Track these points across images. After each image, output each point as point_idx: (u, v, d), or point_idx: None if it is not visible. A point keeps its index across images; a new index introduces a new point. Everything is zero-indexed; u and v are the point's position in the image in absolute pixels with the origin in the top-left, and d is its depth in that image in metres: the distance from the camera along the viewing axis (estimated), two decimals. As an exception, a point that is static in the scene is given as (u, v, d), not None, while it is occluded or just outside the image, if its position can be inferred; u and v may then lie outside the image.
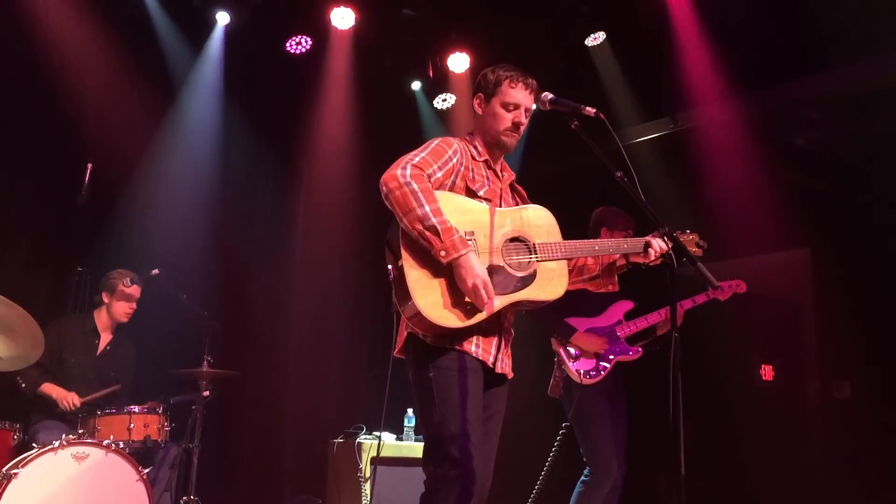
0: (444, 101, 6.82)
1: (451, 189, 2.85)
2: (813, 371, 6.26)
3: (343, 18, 6.21)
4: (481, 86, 3.03)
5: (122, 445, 4.17)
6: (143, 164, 5.72)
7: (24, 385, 4.64)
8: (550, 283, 2.84)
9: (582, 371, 4.22)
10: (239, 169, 6.37)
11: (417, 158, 2.76)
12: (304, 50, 6.37)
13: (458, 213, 2.76)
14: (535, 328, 4.37)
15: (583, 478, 4.28)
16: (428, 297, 2.65)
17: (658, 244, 2.93)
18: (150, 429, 4.48)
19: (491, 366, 2.81)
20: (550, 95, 2.91)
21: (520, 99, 2.97)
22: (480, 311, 2.68)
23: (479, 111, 3.03)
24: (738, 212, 5.58)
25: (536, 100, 3.00)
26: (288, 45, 6.34)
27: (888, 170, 5.14)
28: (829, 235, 5.71)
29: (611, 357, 4.25)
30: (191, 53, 6.06)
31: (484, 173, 2.97)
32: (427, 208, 2.64)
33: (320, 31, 6.31)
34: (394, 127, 6.97)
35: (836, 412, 5.85)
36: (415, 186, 2.67)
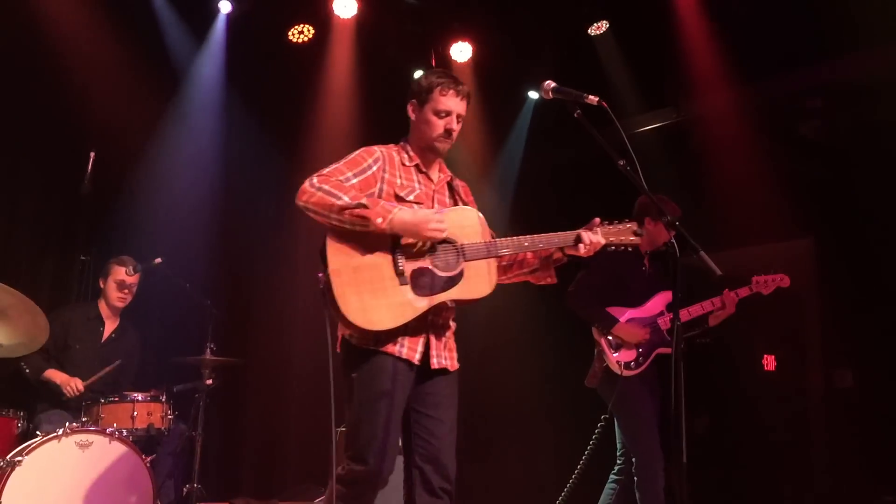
0: (446, 91, 6.78)
1: (380, 195, 2.94)
2: (815, 361, 6.25)
3: (345, 7, 6.20)
4: (414, 92, 3.10)
5: (125, 433, 4.19)
6: (146, 152, 5.72)
7: (27, 371, 4.67)
8: (477, 282, 2.91)
9: (623, 362, 4.19)
10: (242, 157, 6.37)
11: (326, 169, 2.89)
12: (306, 39, 6.36)
13: None
14: (566, 318, 4.35)
15: (615, 476, 4.27)
16: (354, 302, 2.76)
17: (589, 237, 2.95)
18: (153, 417, 4.50)
19: (417, 363, 2.90)
20: (553, 84, 2.90)
21: (451, 106, 3.03)
22: (406, 312, 2.79)
23: (413, 117, 3.11)
24: (741, 201, 5.57)
25: (533, 84, 3.01)
26: (290, 34, 6.33)
27: (891, 159, 5.13)
28: (832, 225, 5.71)
29: (652, 349, 4.23)
30: (193, 42, 6.05)
31: (414, 178, 3.05)
32: (346, 198, 2.77)
33: (322, 21, 6.29)
34: (396, 116, 6.94)
35: (839, 402, 5.85)
36: (326, 187, 2.80)
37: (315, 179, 2.84)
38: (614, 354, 4.22)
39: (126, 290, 4.98)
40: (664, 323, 4.27)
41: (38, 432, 4.09)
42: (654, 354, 4.22)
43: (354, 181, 2.90)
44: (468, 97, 3.10)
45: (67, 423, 4.04)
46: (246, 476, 6.08)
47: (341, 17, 6.24)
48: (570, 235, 2.98)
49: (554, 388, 6.15)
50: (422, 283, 2.83)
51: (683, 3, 5.80)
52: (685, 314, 4.25)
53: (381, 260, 2.83)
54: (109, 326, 5.04)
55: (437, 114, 3.03)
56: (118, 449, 4.06)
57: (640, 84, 6.17)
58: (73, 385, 4.63)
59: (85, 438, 3.98)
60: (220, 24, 6.08)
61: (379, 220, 2.74)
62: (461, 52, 6.53)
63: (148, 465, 4.12)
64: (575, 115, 2.83)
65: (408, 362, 2.90)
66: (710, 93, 5.85)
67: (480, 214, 3.05)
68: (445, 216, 2.91)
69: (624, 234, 3.05)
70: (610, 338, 4.24)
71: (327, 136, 6.52)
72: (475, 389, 5.27)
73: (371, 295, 2.78)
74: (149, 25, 5.79)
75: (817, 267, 6.12)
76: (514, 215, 6.53)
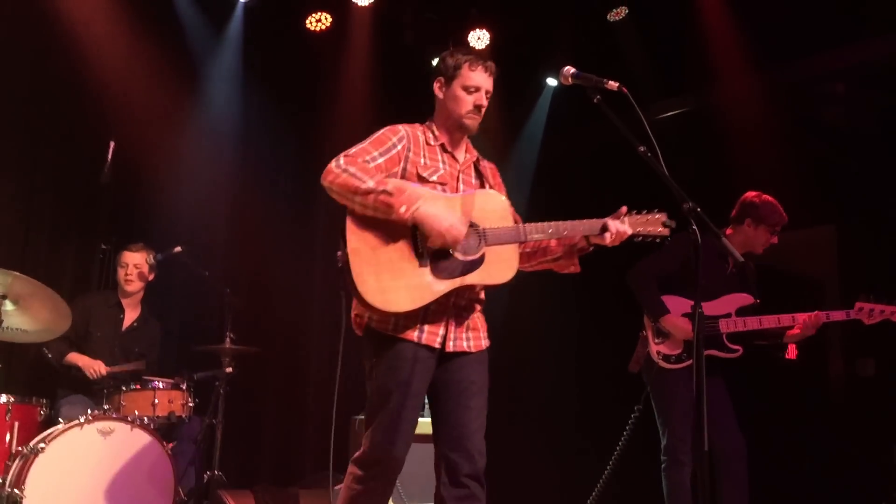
0: (464, 78, 6.76)
1: (403, 176, 2.91)
2: (837, 349, 6.20)
3: (363, -5, 6.18)
4: (441, 70, 3.06)
5: (146, 421, 4.22)
6: (166, 142, 5.73)
7: (50, 356, 4.71)
8: (498, 268, 2.87)
9: (662, 353, 4.10)
10: (260, 146, 6.38)
11: (353, 150, 2.86)
12: (324, 27, 6.35)
13: None
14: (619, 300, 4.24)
15: (662, 464, 4.14)
16: (372, 283, 2.73)
17: (615, 227, 2.90)
18: (174, 404, 4.53)
19: (438, 346, 2.87)
20: (573, 69, 2.88)
21: (480, 81, 3.01)
22: (425, 295, 2.76)
23: (440, 95, 3.06)
24: (762, 188, 5.52)
25: (551, 71, 2.99)
26: (308, 22, 6.32)
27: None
28: (855, 212, 5.64)
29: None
30: (211, 31, 6.05)
31: (439, 157, 3.01)
32: (370, 182, 2.73)
33: (340, 8, 6.28)
34: (414, 104, 6.93)
35: (860, 390, 5.80)
36: (352, 170, 2.76)
37: (342, 160, 2.81)
38: (656, 344, 4.13)
39: (132, 272, 4.95)
40: (726, 326, 4.07)
41: (59, 419, 4.14)
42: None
43: (380, 160, 2.87)
44: (495, 74, 3.06)
45: (89, 411, 4.07)
46: (266, 463, 6.12)
47: (359, 4, 6.22)
48: (595, 224, 2.93)
49: (587, 375, 6.15)
50: (442, 265, 2.80)
51: (703, -13, 5.74)
52: (755, 322, 4.05)
53: (402, 241, 2.79)
54: (130, 315, 5.07)
55: (466, 89, 2.99)
56: (140, 436, 4.09)
57: (660, 70, 6.11)
58: (95, 368, 4.67)
59: (107, 426, 4.01)
60: (237, 13, 6.09)
61: (402, 209, 2.70)
62: (479, 38, 6.49)
63: (169, 452, 4.15)
64: (595, 100, 2.80)
65: (428, 348, 2.87)
66: (731, 78, 5.79)
67: (505, 198, 3.01)
68: (470, 199, 2.88)
69: (652, 224, 2.99)
70: (659, 328, 4.12)
71: (346, 123, 6.51)
72: (499, 371, 5.28)
73: (390, 276, 2.75)
74: (167, 15, 5.80)
75: (839, 254, 6.07)
76: (532, 203, 6.49)
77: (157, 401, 4.47)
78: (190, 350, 4.96)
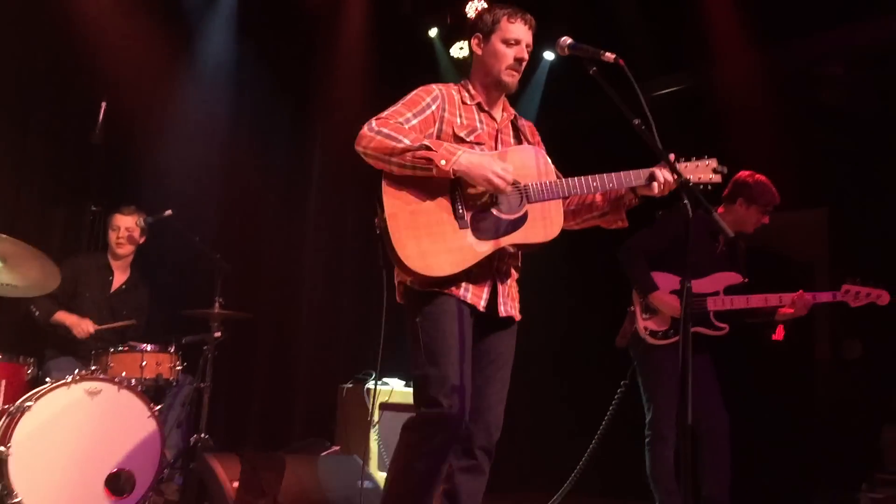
0: (460, 49, 6.71)
1: (439, 136, 2.82)
2: (824, 331, 6.23)
3: (361, -36, 6.12)
4: (478, 26, 2.96)
5: (133, 382, 4.22)
6: (158, 103, 5.68)
7: (37, 313, 4.70)
8: (543, 225, 2.77)
9: (650, 329, 4.10)
10: (254, 111, 6.34)
11: (385, 112, 2.79)
12: (321, -5, 6.28)
13: None
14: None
15: (646, 438, 4.14)
16: (412, 246, 2.66)
17: (663, 175, 2.79)
18: (161, 367, 4.53)
19: (483, 309, 2.79)
20: (569, 40, 2.81)
21: (520, 34, 2.91)
22: (467, 257, 2.69)
23: (479, 51, 2.96)
24: (756, 169, 5.51)
25: (548, 45, 2.94)
26: (305, -11, 6.25)
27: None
28: (848, 195, 5.65)
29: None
30: (207, -4, 5.99)
31: (476, 116, 2.92)
32: (406, 140, 2.66)
33: (338, -24, 6.22)
34: (411, 74, 6.89)
35: (847, 372, 5.84)
36: (386, 131, 2.69)
37: (374, 123, 2.74)
38: (644, 319, 4.13)
39: (123, 235, 4.95)
40: (713, 303, 4.06)
41: (47, 379, 4.13)
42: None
43: (414, 122, 2.79)
44: (534, 28, 2.96)
45: (77, 371, 4.07)
46: (253, 428, 6.14)
47: (356, -27, 6.16)
48: (642, 174, 2.82)
49: (574, 350, 6.17)
50: (483, 226, 2.71)
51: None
52: (742, 301, 4.05)
53: (440, 203, 2.72)
54: (119, 277, 5.06)
55: (506, 42, 2.89)
56: (127, 397, 4.09)
57: (659, 46, 6.06)
58: (83, 326, 4.67)
59: (94, 386, 4.01)
60: (234, -23, 6.01)
61: (442, 163, 2.62)
62: (477, 9, 6.43)
63: (156, 414, 4.16)
64: (591, 72, 2.76)
65: (472, 308, 2.77)
66: (729, 56, 5.75)
67: (545, 153, 2.92)
68: (508, 155, 2.80)
69: (703, 171, 2.88)
70: (647, 303, 4.12)
71: (340, 93, 6.47)
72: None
73: (430, 239, 2.67)
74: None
75: (830, 237, 6.08)
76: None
77: (144, 363, 4.47)
78: (179, 314, 4.95)
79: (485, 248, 2.71)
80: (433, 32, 6.76)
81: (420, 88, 2.89)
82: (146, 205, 5.04)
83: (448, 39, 6.76)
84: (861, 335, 5.78)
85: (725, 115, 5.74)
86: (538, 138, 3.12)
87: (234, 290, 5.11)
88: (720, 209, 4.27)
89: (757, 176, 4.25)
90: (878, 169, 5.46)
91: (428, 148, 2.63)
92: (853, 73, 5.52)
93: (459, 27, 6.59)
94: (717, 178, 2.90)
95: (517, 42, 2.91)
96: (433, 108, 2.85)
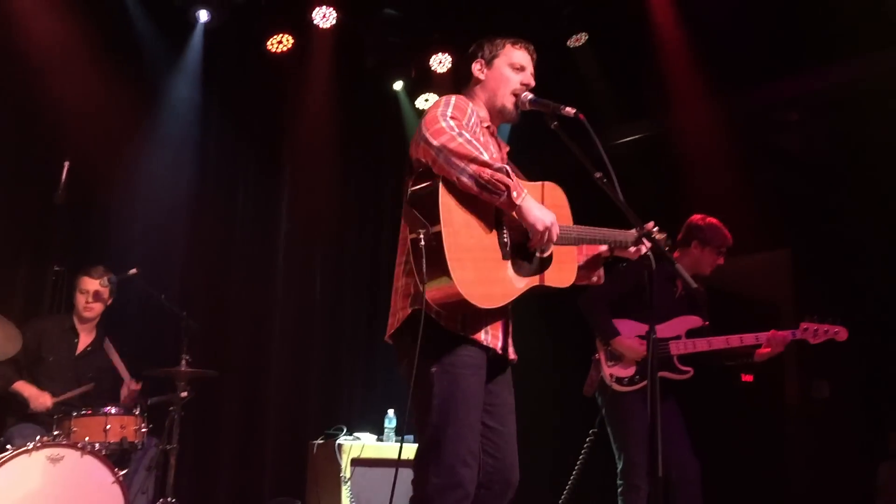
0: (426, 101, 6.80)
1: None
2: (793, 371, 6.29)
3: (325, 17, 6.18)
4: (478, 53, 2.86)
5: (98, 447, 4.12)
6: (123, 162, 5.65)
7: None
8: (564, 270, 2.67)
9: (615, 376, 4.11)
10: (220, 168, 6.32)
11: (449, 109, 2.55)
12: (285, 49, 6.33)
13: None
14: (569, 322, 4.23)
15: (618, 488, 4.11)
16: (465, 269, 2.38)
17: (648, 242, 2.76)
18: (126, 430, 4.43)
19: (501, 351, 2.61)
20: (530, 95, 2.83)
21: (525, 61, 2.85)
22: (508, 291, 2.50)
23: (481, 76, 2.83)
24: (718, 213, 5.60)
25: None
26: (269, 43, 6.31)
27: (867, 171, 5.18)
28: (809, 236, 5.75)
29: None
30: (170, 52, 6.00)
31: (489, 140, 2.77)
32: (485, 154, 2.45)
33: (302, 30, 6.28)
34: (376, 127, 6.95)
35: (815, 412, 5.89)
36: (467, 135, 2.46)
37: (452, 122, 2.48)
38: (609, 367, 4.14)
39: (92, 299, 4.88)
40: (676, 347, 4.09)
41: (8, 446, 4.02)
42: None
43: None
44: (535, 61, 2.88)
45: (38, 437, 3.97)
46: (222, 490, 6.01)
47: (321, 26, 6.22)
48: (629, 234, 2.76)
49: (549, 398, 6.15)
50: (520, 262, 2.55)
51: (661, 16, 5.84)
52: (704, 343, 4.08)
53: (490, 227, 2.52)
54: (84, 339, 4.96)
55: (512, 66, 2.81)
56: (90, 463, 3.99)
57: (619, 96, 6.20)
58: (41, 400, 4.55)
59: (56, 453, 3.91)
60: (197, 33, 6.03)
61: (515, 195, 2.42)
62: (441, 62, 6.54)
63: (121, 479, 4.06)
64: (552, 126, 2.79)
65: (490, 352, 2.57)
66: (689, 105, 5.89)
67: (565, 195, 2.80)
68: (545, 190, 2.68)
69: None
70: (612, 350, 4.14)
71: (306, 146, 6.49)
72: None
73: (478, 265, 2.43)
74: (125, 35, 5.74)
75: (794, 278, 6.17)
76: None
77: (109, 426, 4.37)
78: (144, 374, 4.86)
79: (521, 284, 2.54)
80: (398, 86, 6.83)
81: (456, 96, 2.68)
82: (110, 264, 4.97)
83: (413, 93, 6.84)
84: (827, 375, 5.84)
85: (687, 162, 5.85)
86: None
87: (200, 348, 5.04)
88: (675, 254, 4.33)
89: (708, 219, 4.36)
90: (835, 209, 5.58)
91: (508, 174, 2.44)
92: (808, 118, 5.66)
93: (424, 80, 6.68)
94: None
95: (522, 68, 2.84)
96: (472, 120, 2.65)
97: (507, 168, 2.45)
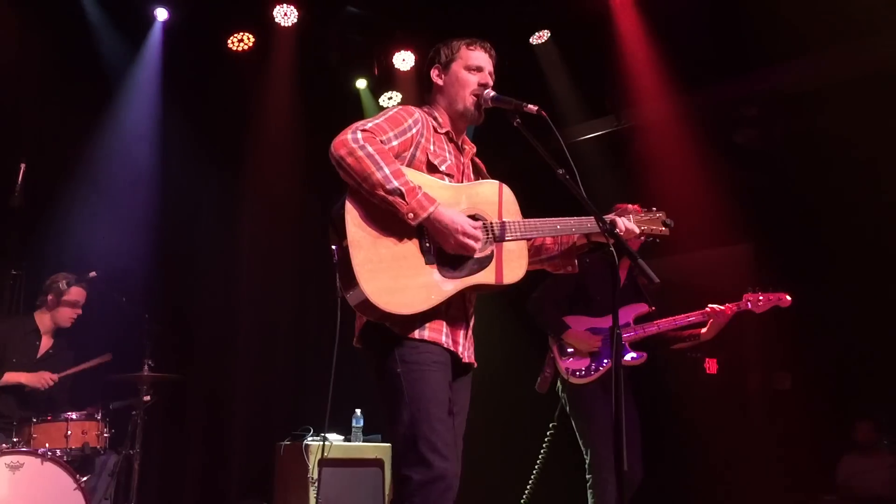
0: (389, 99, 6.79)
1: (411, 162, 2.65)
2: (755, 364, 6.37)
3: (286, 15, 6.15)
4: (436, 58, 2.88)
5: (59, 453, 4.06)
6: (80, 163, 5.57)
7: None
8: (509, 266, 2.63)
9: (571, 369, 4.16)
10: (180, 168, 6.23)
11: (370, 124, 2.57)
12: (246, 47, 6.28)
13: None
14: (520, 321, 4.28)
15: (587, 481, 4.14)
16: (376, 280, 2.43)
17: (624, 224, 2.77)
18: (88, 436, 4.38)
19: (460, 355, 2.63)
20: (492, 93, 2.82)
21: (482, 61, 2.85)
22: (433, 295, 2.50)
23: (440, 81, 2.86)
24: (681, 208, 5.63)
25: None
26: (230, 42, 6.25)
27: (828, 166, 5.26)
28: (771, 231, 5.83)
29: (605, 360, 4.11)
30: (128, 50, 5.93)
31: (445, 147, 2.78)
32: (387, 170, 2.45)
33: (263, 29, 6.23)
34: (338, 125, 6.88)
35: (777, 402, 5.98)
36: (369, 149, 2.48)
37: (360, 135, 2.50)
38: (564, 361, 4.20)
39: (79, 309, 4.89)
40: (627, 335, 4.15)
41: (-33, 455, 3.94)
42: (608, 366, 4.06)
43: (395, 143, 2.59)
44: (494, 59, 2.88)
45: (-3, 444, 3.90)
46: (187, 494, 5.94)
47: (282, 24, 6.18)
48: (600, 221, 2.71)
49: (504, 396, 6.16)
50: (449, 263, 2.54)
51: (623, 13, 5.88)
52: (653, 327, 4.17)
53: (407, 235, 2.52)
54: (46, 342, 4.90)
55: (469, 69, 2.82)
56: (51, 470, 3.94)
57: (581, 93, 6.23)
58: (44, 379, 4.53)
59: (15, 460, 3.85)
60: (156, 31, 5.96)
61: (410, 216, 2.45)
62: (404, 60, 6.53)
63: (82, 485, 4.00)
64: (514, 124, 2.78)
65: (451, 354, 2.59)
66: (650, 101, 5.94)
67: (510, 190, 2.76)
68: (476, 188, 2.69)
69: (654, 223, 2.89)
70: (564, 345, 4.21)
71: (267, 145, 6.44)
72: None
73: (395, 274, 2.45)
74: (82, 32, 5.65)
75: (757, 272, 6.24)
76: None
77: (70, 432, 4.31)
78: (106, 379, 4.79)
79: (449, 287, 2.53)
80: (361, 84, 6.80)
81: (401, 107, 2.72)
82: (70, 266, 4.91)
83: (376, 91, 6.82)
84: (789, 367, 5.93)
85: (648, 158, 5.90)
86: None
87: (164, 352, 4.97)
88: None
89: (628, 207, 4.40)
90: (796, 203, 5.65)
91: (402, 196, 2.44)
92: (766, 113, 5.73)
93: (387, 78, 6.66)
94: (665, 232, 2.92)
95: (479, 69, 2.84)
96: (413, 131, 2.67)
97: (404, 188, 2.45)
